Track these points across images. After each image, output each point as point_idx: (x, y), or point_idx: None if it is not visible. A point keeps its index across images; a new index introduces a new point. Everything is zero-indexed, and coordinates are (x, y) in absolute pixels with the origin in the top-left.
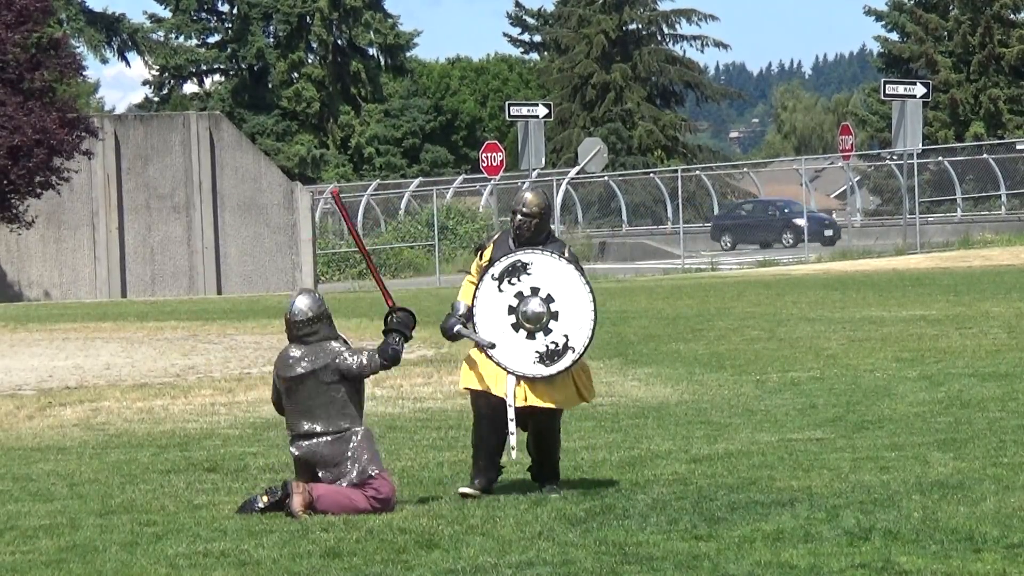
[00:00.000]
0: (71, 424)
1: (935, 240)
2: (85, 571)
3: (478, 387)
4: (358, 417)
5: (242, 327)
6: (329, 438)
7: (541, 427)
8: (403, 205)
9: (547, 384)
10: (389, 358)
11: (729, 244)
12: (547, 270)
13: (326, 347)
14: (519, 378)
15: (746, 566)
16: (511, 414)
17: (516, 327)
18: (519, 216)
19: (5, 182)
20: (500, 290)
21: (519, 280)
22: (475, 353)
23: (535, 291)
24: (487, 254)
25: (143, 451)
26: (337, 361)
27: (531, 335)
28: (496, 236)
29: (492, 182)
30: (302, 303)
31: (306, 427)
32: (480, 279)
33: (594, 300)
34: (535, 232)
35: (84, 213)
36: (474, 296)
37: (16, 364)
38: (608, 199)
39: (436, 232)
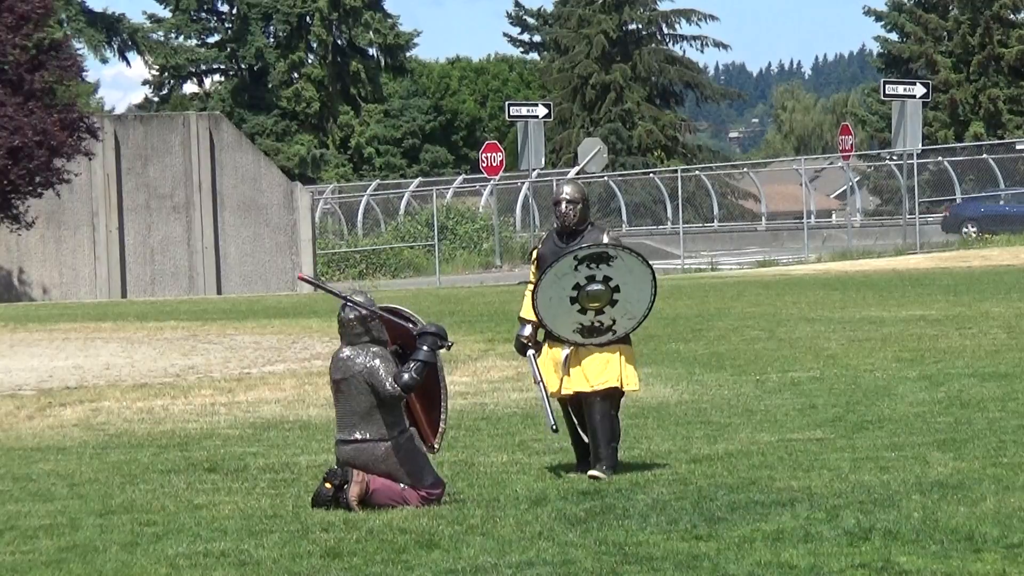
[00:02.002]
0: (71, 424)
1: (935, 240)
2: (85, 571)
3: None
4: (400, 424)
5: (242, 327)
6: (368, 445)
7: (589, 409)
8: (403, 205)
9: (588, 367)
10: (405, 388)
11: (974, 234)
12: (627, 267)
13: (370, 352)
14: (563, 362)
15: (746, 566)
16: (539, 386)
17: (573, 300)
18: (563, 204)
19: (5, 182)
20: (576, 269)
21: (598, 267)
22: (544, 353)
23: (607, 280)
24: (535, 254)
25: (143, 451)
26: (370, 372)
27: (583, 311)
28: (544, 236)
29: (492, 182)
30: (352, 310)
31: (348, 431)
32: (561, 256)
33: (652, 301)
34: (579, 219)
35: (84, 213)
36: (550, 264)
37: (16, 364)
38: (608, 199)
39: (436, 232)
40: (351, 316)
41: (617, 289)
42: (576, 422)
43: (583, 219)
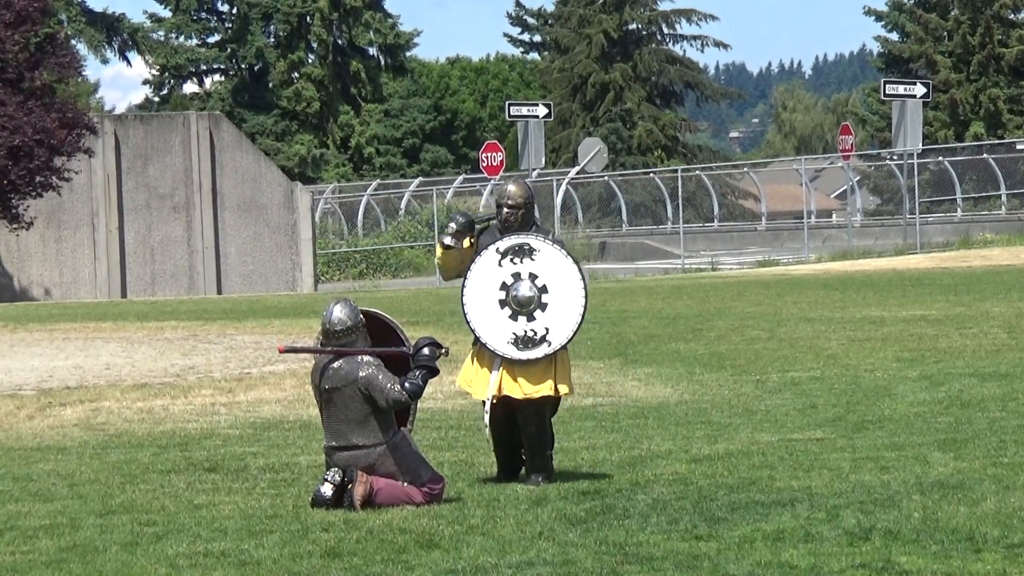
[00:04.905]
0: (71, 424)
1: (935, 240)
2: (85, 571)
3: (468, 389)
4: (392, 426)
5: (242, 327)
6: (364, 451)
7: (524, 419)
8: (403, 205)
9: (522, 375)
10: (411, 394)
11: None
12: (551, 262)
13: (363, 361)
14: (495, 363)
15: (746, 566)
16: (487, 407)
17: (503, 304)
18: (505, 209)
19: (5, 182)
20: (500, 264)
21: (521, 262)
22: (469, 357)
23: (533, 277)
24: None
25: (143, 451)
26: (367, 382)
27: (514, 316)
28: (483, 229)
29: (492, 182)
30: (340, 312)
31: (343, 438)
32: (483, 250)
33: (585, 305)
34: (522, 222)
35: (84, 213)
36: (471, 262)
37: (16, 364)
38: (608, 199)
39: (436, 232)
40: (338, 327)
41: (545, 289)
42: (503, 426)
43: (527, 222)
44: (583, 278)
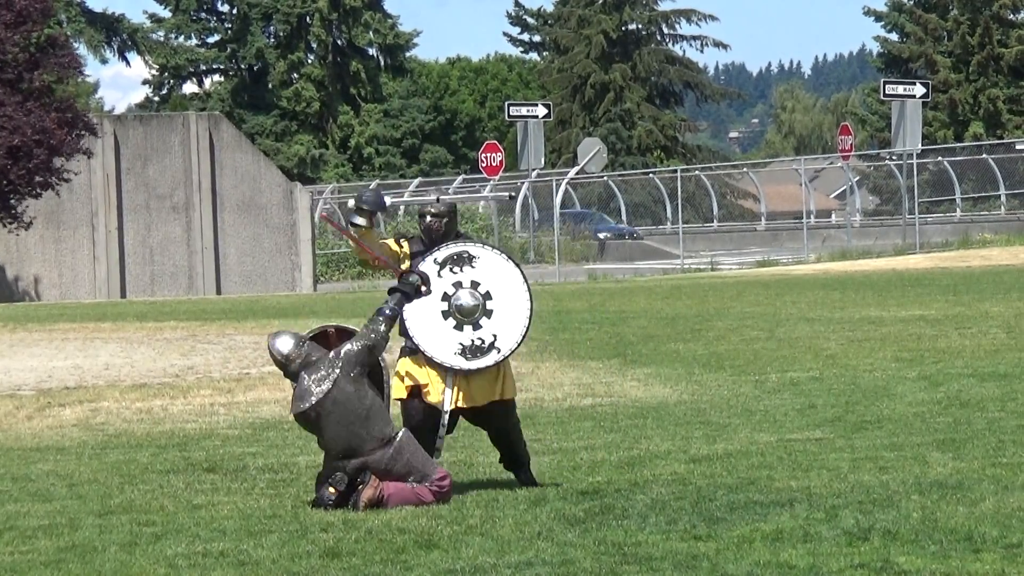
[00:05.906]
0: (70, 424)
1: (934, 240)
2: (85, 571)
3: (407, 394)
4: (391, 426)
5: (241, 327)
6: (376, 457)
7: (494, 420)
8: (403, 205)
9: (475, 383)
10: (389, 318)
11: None
12: (492, 267)
13: (328, 359)
14: (448, 375)
15: (745, 566)
16: (444, 419)
17: (446, 315)
18: (428, 217)
19: (4, 182)
20: (439, 275)
21: (461, 270)
22: (405, 363)
23: (475, 285)
24: (406, 246)
25: (142, 451)
26: (344, 354)
27: (459, 326)
28: (411, 238)
29: (492, 182)
30: (284, 345)
31: (351, 450)
32: (420, 259)
33: (531, 308)
34: (445, 231)
35: (84, 213)
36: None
37: (16, 364)
38: (608, 199)
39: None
40: (291, 355)
41: (488, 296)
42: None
43: (449, 232)
44: (526, 282)
